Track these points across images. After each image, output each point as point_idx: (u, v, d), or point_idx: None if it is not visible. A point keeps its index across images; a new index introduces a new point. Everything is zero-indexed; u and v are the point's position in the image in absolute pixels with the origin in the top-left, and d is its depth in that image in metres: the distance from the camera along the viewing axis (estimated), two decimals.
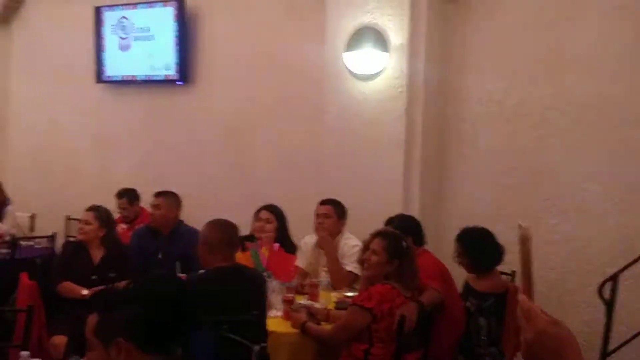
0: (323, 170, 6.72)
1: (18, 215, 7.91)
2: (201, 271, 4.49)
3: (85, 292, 5.33)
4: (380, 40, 6.23)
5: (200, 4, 8.15)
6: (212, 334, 3.80)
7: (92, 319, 2.32)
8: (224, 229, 4.40)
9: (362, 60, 6.31)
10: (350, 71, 6.41)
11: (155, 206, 6.21)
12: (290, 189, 7.26)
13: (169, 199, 6.24)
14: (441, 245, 6.01)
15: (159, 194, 6.27)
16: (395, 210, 5.77)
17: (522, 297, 1.56)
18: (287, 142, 7.54)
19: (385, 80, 6.26)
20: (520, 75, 6.12)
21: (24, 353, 3.53)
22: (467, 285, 5.06)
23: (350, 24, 6.40)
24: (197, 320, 2.45)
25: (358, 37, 6.31)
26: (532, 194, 6.02)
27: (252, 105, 7.82)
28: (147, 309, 2.25)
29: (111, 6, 8.65)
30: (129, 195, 7.42)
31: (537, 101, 6.00)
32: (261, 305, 4.40)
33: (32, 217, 8.30)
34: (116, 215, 6.75)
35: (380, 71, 6.26)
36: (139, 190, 7.52)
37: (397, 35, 6.20)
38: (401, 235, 4.53)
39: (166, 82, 8.33)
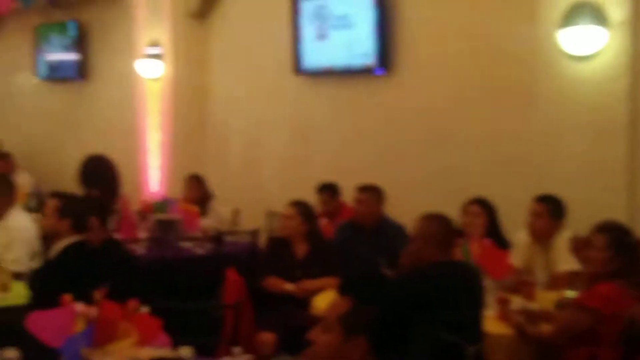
0: (536, 162, 6.61)
1: (221, 210, 8.33)
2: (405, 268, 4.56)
3: (289, 287, 5.59)
4: (599, 16, 6.04)
5: None
6: (429, 334, 3.85)
7: (343, 303, 2.37)
8: (444, 222, 4.47)
9: (579, 39, 6.14)
10: (565, 52, 6.26)
11: (359, 201, 6.36)
12: (500, 184, 7.15)
13: (372, 194, 6.40)
14: None
15: (362, 190, 6.42)
16: (618, 203, 5.58)
17: None
18: (496, 132, 7.41)
19: (605, 60, 6.07)
20: None
21: (236, 349, 3.70)
22: None
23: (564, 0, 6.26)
24: (417, 319, 2.49)
25: (573, 13, 6.15)
26: None
27: (456, 94, 7.73)
28: (387, 313, 2.31)
29: None
30: (330, 190, 7.65)
31: None
32: (479, 304, 4.39)
33: (235, 212, 8.68)
34: (317, 209, 6.96)
35: (600, 51, 6.08)
36: (339, 183, 7.72)
37: (617, 10, 6.00)
38: (627, 230, 4.38)
39: (365, 71, 8.44)
